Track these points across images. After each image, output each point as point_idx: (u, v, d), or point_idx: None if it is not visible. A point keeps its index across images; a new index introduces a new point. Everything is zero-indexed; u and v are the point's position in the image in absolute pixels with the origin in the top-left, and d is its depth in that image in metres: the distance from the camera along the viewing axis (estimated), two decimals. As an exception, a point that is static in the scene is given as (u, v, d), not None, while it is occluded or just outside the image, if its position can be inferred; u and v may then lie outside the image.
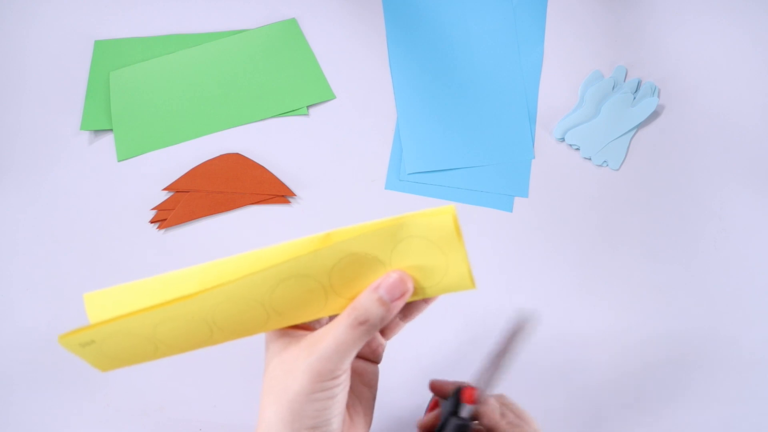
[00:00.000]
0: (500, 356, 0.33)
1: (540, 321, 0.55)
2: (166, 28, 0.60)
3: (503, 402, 0.39)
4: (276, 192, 0.56)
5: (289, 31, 0.60)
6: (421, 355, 0.54)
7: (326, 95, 0.59)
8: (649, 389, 0.54)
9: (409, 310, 0.32)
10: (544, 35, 0.60)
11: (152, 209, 0.56)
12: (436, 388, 0.40)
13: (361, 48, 0.60)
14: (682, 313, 0.55)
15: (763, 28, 0.60)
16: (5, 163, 0.57)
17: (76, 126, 0.57)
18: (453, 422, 0.35)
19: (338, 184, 0.57)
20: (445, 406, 0.37)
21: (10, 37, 0.59)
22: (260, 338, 0.32)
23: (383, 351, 0.35)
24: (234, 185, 0.56)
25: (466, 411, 0.35)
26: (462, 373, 0.41)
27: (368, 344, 0.34)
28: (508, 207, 0.57)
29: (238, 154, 0.57)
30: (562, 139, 0.58)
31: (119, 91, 0.58)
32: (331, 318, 0.32)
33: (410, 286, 0.29)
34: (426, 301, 0.32)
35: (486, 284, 0.56)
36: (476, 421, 0.37)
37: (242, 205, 0.56)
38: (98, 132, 0.58)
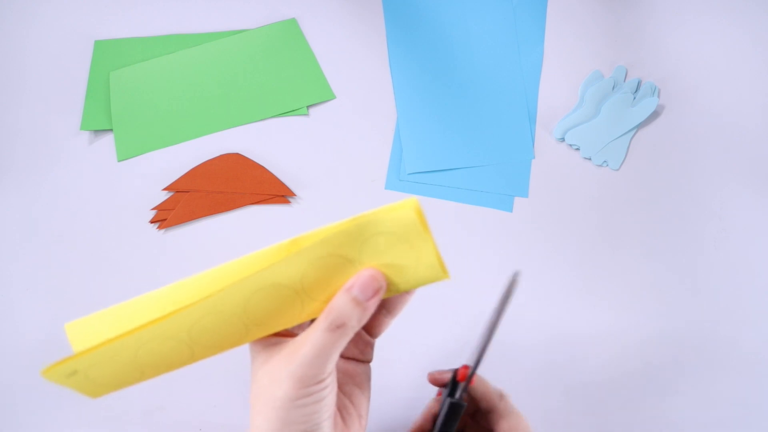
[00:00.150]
0: (491, 328, 0.32)
1: (540, 320, 0.55)
2: (166, 28, 0.60)
3: (503, 395, 0.39)
4: (276, 192, 0.56)
5: (289, 31, 0.60)
6: (420, 354, 0.54)
7: (326, 95, 0.59)
8: (649, 389, 0.54)
9: (392, 304, 0.32)
10: (544, 35, 0.60)
11: (152, 209, 0.56)
12: (434, 379, 0.40)
13: (361, 48, 0.60)
14: (682, 313, 0.55)
15: (763, 28, 0.60)
16: (5, 163, 0.57)
17: (76, 126, 0.57)
18: (446, 402, 0.35)
19: (338, 184, 0.57)
20: (445, 393, 0.37)
21: (10, 37, 0.59)
22: (260, 338, 0.32)
23: (373, 349, 0.35)
24: (234, 185, 0.56)
25: (460, 390, 0.35)
26: (443, 360, 0.40)
27: (355, 344, 0.34)
28: (508, 207, 0.57)
29: (238, 154, 0.57)
30: (562, 139, 0.58)
31: (119, 91, 0.58)
32: (313, 321, 0.32)
33: (383, 282, 0.29)
34: (407, 293, 0.31)
35: (486, 284, 0.56)
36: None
37: (242, 205, 0.56)
38: (98, 132, 0.58)
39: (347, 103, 0.59)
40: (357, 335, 0.33)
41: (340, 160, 0.58)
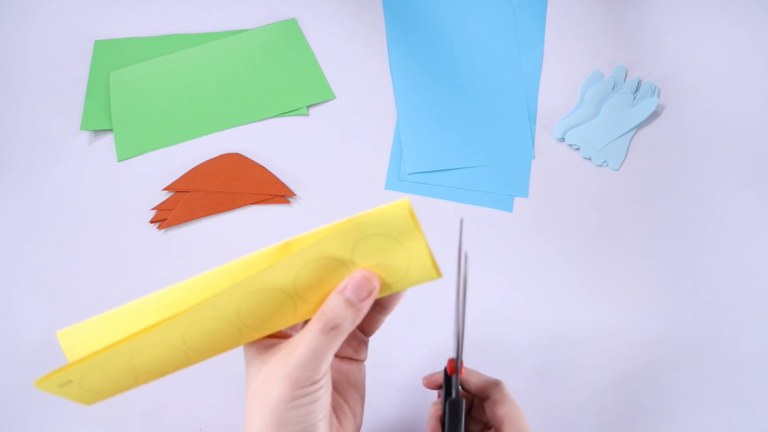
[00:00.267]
0: (460, 313, 0.32)
1: (540, 320, 0.55)
2: (166, 28, 0.60)
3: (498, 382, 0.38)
4: (276, 192, 0.56)
5: (289, 31, 0.60)
6: (420, 354, 0.54)
7: (326, 95, 0.59)
8: (649, 389, 0.54)
9: (385, 302, 0.32)
10: (544, 35, 0.60)
11: (152, 209, 0.56)
12: (429, 382, 0.39)
13: (361, 48, 0.60)
14: (682, 313, 0.55)
15: (763, 28, 0.60)
16: (5, 163, 0.57)
17: (76, 126, 0.57)
18: (447, 403, 0.34)
19: (338, 184, 0.57)
20: (443, 393, 0.36)
21: (10, 37, 0.59)
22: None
23: (367, 348, 0.35)
24: (234, 185, 0.56)
25: (454, 385, 0.34)
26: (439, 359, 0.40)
27: (349, 344, 0.34)
28: (508, 207, 0.57)
29: (238, 154, 0.57)
30: (562, 139, 0.58)
31: (119, 91, 0.58)
32: (306, 323, 0.32)
33: (376, 283, 0.29)
34: (399, 294, 0.32)
35: (486, 284, 0.56)
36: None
37: (242, 205, 0.56)
38: (98, 132, 0.58)
39: (347, 103, 0.59)
40: (351, 334, 0.33)
41: (340, 160, 0.58)
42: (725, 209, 0.57)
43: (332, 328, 0.28)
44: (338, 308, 0.28)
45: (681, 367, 0.55)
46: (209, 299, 0.28)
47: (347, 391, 0.33)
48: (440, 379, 0.38)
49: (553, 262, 0.56)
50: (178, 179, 0.56)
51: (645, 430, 0.54)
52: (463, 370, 0.35)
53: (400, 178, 0.58)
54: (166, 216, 0.56)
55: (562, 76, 0.60)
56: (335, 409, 0.32)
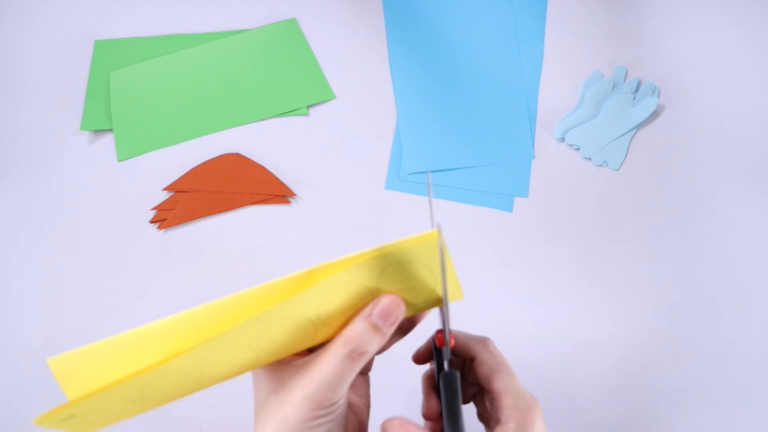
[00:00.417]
0: (443, 286, 0.31)
1: (540, 319, 0.55)
2: (166, 28, 0.60)
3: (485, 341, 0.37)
4: (276, 192, 0.56)
5: (289, 31, 0.60)
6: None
7: (326, 95, 0.59)
8: (649, 389, 0.54)
9: (404, 326, 0.32)
10: (544, 35, 0.60)
11: (152, 209, 0.56)
12: (418, 357, 0.38)
13: (361, 48, 0.60)
14: (681, 313, 0.55)
15: (763, 28, 0.60)
16: (5, 163, 0.57)
17: (76, 126, 0.57)
18: (441, 377, 0.33)
19: (338, 184, 0.57)
20: (435, 368, 0.35)
21: (10, 37, 0.59)
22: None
23: (373, 362, 0.35)
24: (234, 185, 0.56)
25: (446, 357, 0.33)
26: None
27: None
28: (508, 207, 0.57)
29: (238, 154, 0.57)
30: (562, 139, 0.58)
31: (119, 91, 0.58)
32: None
33: (403, 308, 0.29)
34: (419, 316, 0.32)
35: (486, 284, 0.56)
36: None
37: (242, 205, 0.56)
38: (98, 132, 0.58)
39: (347, 103, 0.59)
40: None
41: (340, 160, 0.58)
42: (725, 209, 0.57)
43: (359, 354, 0.28)
44: (365, 334, 0.28)
45: (681, 367, 0.55)
46: (234, 328, 0.27)
47: (354, 401, 0.33)
48: (428, 352, 0.37)
49: (553, 261, 0.56)
50: (178, 179, 0.56)
51: (645, 430, 0.54)
52: (453, 341, 0.34)
53: (400, 178, 0.58)
54: (166, 216, 0.56)
55: (562, 76, 0.60)
56: (345, 421, 0.32)
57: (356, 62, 0.59)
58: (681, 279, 0.56)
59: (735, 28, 0.60)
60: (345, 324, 0.29)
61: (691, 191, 0.58)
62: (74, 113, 0.58)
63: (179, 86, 0.58)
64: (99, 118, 0.57)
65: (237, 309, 0.28)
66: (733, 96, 0.59)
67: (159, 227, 0.56)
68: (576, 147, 0.58)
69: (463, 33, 0.60)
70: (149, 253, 0.55)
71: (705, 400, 0.54)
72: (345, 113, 0.59)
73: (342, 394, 0.28)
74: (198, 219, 0.56)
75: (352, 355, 0.28)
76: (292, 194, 0.57)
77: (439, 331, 0.33)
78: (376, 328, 0.28)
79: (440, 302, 0.30)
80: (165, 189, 0.56)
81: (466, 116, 0.59)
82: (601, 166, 0.58)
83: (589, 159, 0.58)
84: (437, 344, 0.33)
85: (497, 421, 0.32)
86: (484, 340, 0.35)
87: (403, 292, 0.29)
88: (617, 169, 0.58)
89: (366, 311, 0.28)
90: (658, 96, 0.59)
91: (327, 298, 0.28)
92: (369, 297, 0.29)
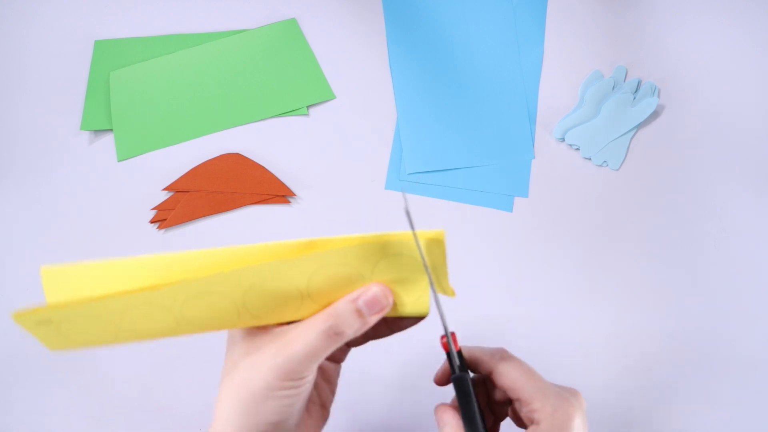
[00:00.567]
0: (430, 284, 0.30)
1: (540, 319, 0.55)
2: (166, 28, 0.60)
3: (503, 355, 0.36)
4: (276, 192, 0.56)
5: (289, 31, 0.60)
6: (420, 354, 0.54)
7: (326, 95, 0.59)
8: (649, 389, 0.54)
9: (396, 325, 0.32)
10: (544, 35, 0.60)
11: (152, 209, 0.56)
12: (439, 378, 0.37)
13: (361, 48, 0.60)
14: (682, 313, 0.55)
15: (763, 28, 0.60)
16: (5, 163, 0.57)
17: (76, 126, 0.57)
18: (452, 382, 0.33)
19: (338, 184, 0.57)
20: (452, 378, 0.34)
21: (10, 37, 0.59)
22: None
23: (348, 353, 0.35)
24: (234, 185, 0.56)
25: (455, 361, 0.33)
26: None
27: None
28: (508, 207, 0.57)
29: (238, 154, 0.57)
30: (562, 139, 0.58)
31: (119, 91, 0.58)
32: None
33: (390, 301, 0.29)
34: (400, 324, 0.32)
35: (486, 284, 0.56)
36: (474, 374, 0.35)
37: (242, 205, 0.56)
38: (98, 132, 0.58)
39: (347, 103, 0.59)
40: None
41: (340, 160, 0.58)
42: (725, 209, 0.57)
43: (336, 333, 0.28)
44: (347, 316, 0.28)
45: (681, 367, 0.55)
46: (222, 272, 0.27)
47: (321, 385, 0.33)
48: (447, 374, 0.36)
49: (553, 261, 0.56)
50: (178, 179, 0.56)
51: (645, 430, 0.54)
52: (458, 343, 0.33)
53: (400, 178, 0.58)
54: (166, 216, 0.56)
55: (562, 76, 0.60)
56: (308, 402, 0.32)
57: (356, 62, 0.59)
58: (681, 279, 0.56)
59: (735, 28, 0.60)
60: (330, 303, 0.29)
61: (691, 191, 0.58)
62: (74, 113, 0.58)
63: (179, 86, 0.58)
64: (99, 118, 0.57)
65: (234, 260, 0.28)
66: (733, 96, 0.59)
67: (159, 227, 0.56)
68: (576, 147, 0.58)
69: (463, 33, 0.60)
70: (149, 253, 0.55)
71: (705, 400, 0.54)
72: (345, 113, 0.59)
73: (311, 370, 0.28)
74: (198, 219, 0.56)
75: (329, 332, 0.28)
76: (292, 194, 0.57)
77: (443, 336, 0.33)
78: (359, 312, 0.28)
79: (427, 309, 0.30)
80: (165, 189, 0.56)
81: (466, 116, 0.59)
82: (601, 166, 0.58)
83: (589, 159, 0.58)
84: (444, 349, 0.33)
85: (531, 425, 0.31)
86: (498, 352, 0.35)
87: (395, 285, 0.29)
88: (617, 169, 0.58)
89: (354, 294, 0.28)
90: (658, 96, 0.59)
91: (320, 272, 0.28)
92: (360, 283, 0.29)
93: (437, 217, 0.57)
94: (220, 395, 0.29)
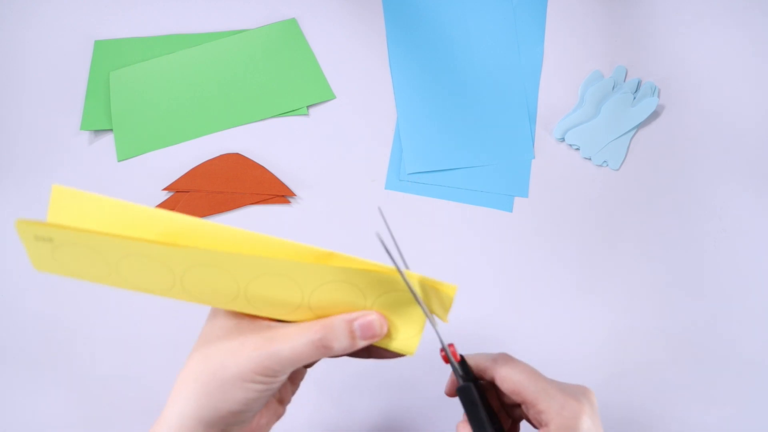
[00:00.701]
0: (416, 298, 0.30)
1: (540, 319, 0.55)
2: (166, 28, 0.60)
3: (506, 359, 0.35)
4: (276, 192, 0.56)
5: (289, 31, 0.60)
6: (420, 355, 0.54)
7: (326, 95, 0.59)
8: (649, 389, 0.54)
9: (377, 353, 0.32)
10: (544, 35, 0.60)
11: (152, 209, 0.56)
12: (450, 389, 0.37)
13: (361, 48, 0.60)
14: (682, 313, 0.55)
15: (762, 28, 0.60)
16: (5, 164, 0.57)
17: (76, 126, 0.57)
18: (457, 393, 0.33)
19: (338, 184, 0.57)
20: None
21: (10, 37, 0.59)
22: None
23: (318, 361, 0.35)
24: (234, 185, 0.56)
25: (459, 371, 0.33)
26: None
27: None
28: (508, 207, 0.57)
29: (238, 154, 0.57)
30: (562, 139, 0.58)
31: (119, 91, 0.58)
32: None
33: (384, 331, 0.29)
34: (380, 354, 0.32)
35: (486, 285, 0.56)
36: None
37: (242, 205, 0.56)
38: (98, 132, 0.58)
39: (347, 103, 0.59)
40: None
41: (340, 160, 0.58)
42: (725, 209, 0.57)
43: (325, 346, 0.28)
44: (340, 333, 0.28)
45: (681, 367, 0.55)
46: (240, 254, 0.27)
47: (285, 384, 0.34)
48: (453, 381, 0.36)
49: (553, 261, 0.56)
50: (178, 179, 0.56)
51: (644, 430, 0.54)
52: (456, 354, 0.33)
53: (400, 178, 0.58)
54: (166, 216, 0.56)
55: (562, 76, 0.60)
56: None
57: (356, 62, 0.59)
58: (681, 279, 0.56)
59: (735, 29, 0.60)
60: (324, 317, 0.30)
61: (691, 191, 0.58)
62: (74, 113, 0.58)
63: (179, 86, 0.58)
64: (99, 118, 0.57)
65: (250, 245, 0.28)
66: (733, 96, 0.59)
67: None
68: (576, 147, 0.58)
69: (463, 33, 0.60)
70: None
71: (705, 400, 0.54)
72: (345, 113, 0.59)
73: (287, 372, 0.29)
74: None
75: (318, 343, 0.28)
76: (292, 194, 0.57)
77: (442, 350, 0.33)
78: (352, 333, 0.29)
79: (413, 351, 0.31)
80: (165, 189, 0.56)
81: (466, 116, 0.59)
82: (601, 166, 0.58)
83: (589, 159, 0.58)
84: (444, 361, 0.33)
85: (541, 427, 0.31)
86: (500, 357, 0.34)
87: (392, 318, 0.30)
88: (617, 169, 0.58)
89: (352, 315, 0.29)
90: (658, 96, 0.59)
91: (328, 285, 0.29)
92: (360, 306, 0.30)
93: (437, 217, 0.57)
94: (188, 369, 0.29)
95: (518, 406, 0.35)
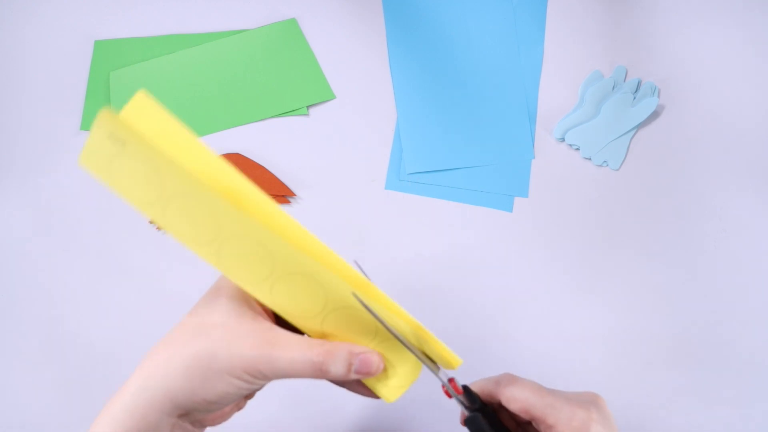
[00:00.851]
0: (395, 334, 0.30)
1: (540, 319, 0.55)
2: (166, 28, 0.60)
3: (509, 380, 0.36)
4: (276, 192, 0.56)
5: (289, 31, 0.60)
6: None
7: (326, 95, 0.59)
8: (649, 389, 0.54)
9: (353, 387, 0.32)
10: (544, 35, 0.60)
11: (152, 209, 0.56)
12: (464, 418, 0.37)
13: (361, 48, 0.60)
14: (682, 313, 0.55)
15: (762, 28, 0.60)
16: (5, 164, 0.57)
17: (76, 126, 0.57)
18: (465, 424, 0.33)
19: (338, 184, 0.57)
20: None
21: (10, 37, 0.59)
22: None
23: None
24: (234, 185, 0.56)
25: (464, 402, 0.33)
26: (458, 375, 0.40)
27: None
28: (508, 207, 0.57)
29: (238, 154, 0.57)
30: (562, 139, 0.58)
31: (119, 91, 0.58)
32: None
33: (378, 372, 0.30)
34: (359, 390, 0.32)
35: (485, 284, 0.56)
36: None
37: (242, 205, 0.56)
38: (98, 132, 0.58)
39: (347, 103, 0.59)
40: None
41: (340, 160, 0.58)
42: (725, 209, 0.57)
43: (322, 370, 0.28)
44: (340, 362, 0.28)
45: (681, 367, 0.55)
46: (290, 244, 0.27)
47: None
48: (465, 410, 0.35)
49: (553, 261, 0.56)
50: (178, 179, 0.56)
51: (645, 430, 0.54)
52: (458, 386, 0.34)
53: (400, 178, 0.58)
54: (166, 216, 0.56)
55: (562, 76, 0.60)
56: None
57: (356, 62, 0.59)
58: (681, 279, 0.56)
59: (735, 29, 0.60)
60: (327, 336, 0.30)
61: (691, 191, 0.58)
62: (74, 113, 0.58)
63: (179, 86, 0.58)
64: (99, 118, 0.57)
65: (300, 240, 0.28)
66: (733, 96, 0.59)
67: (159, 227, 0.56)
68: (576, 147, 0.58)
69: (463, 33, 0.60)
70: (149, 253, 0.55)
71: (705, 400, 0.54)
72: (345, 113, 0.59)
73: (275, 379, 0.29)
74: (198, 219, 0.56)
75: (317, 365, 0.28)
76: (292, 194, 0.57)
77: (443, 386, 0.33)
78: (350, 367, 0.29)
79: (392, 400, 0.31)
80: (165, 189, 0.56)
81: (466, 116, 0.59)
82: (601, 166, 0.58)
83: (589, 159, 0.58)
84: (447, 396, 0.34)
85: None
86: (503, 378, 0.35)
87: (390, 362, 0.31)
88: (617, 169, 0.58)
89: (357, 349, 0.29)
90: (658, 96, 0.59)
91: (350, 309, 0.29)
92: (365, 342, 0.30)
93: (437, 217, 0.57)
94: (173, 346, 0.28)
95: (530, 423, 0.35)
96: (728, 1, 0.61)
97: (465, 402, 0.33)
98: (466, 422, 0.33)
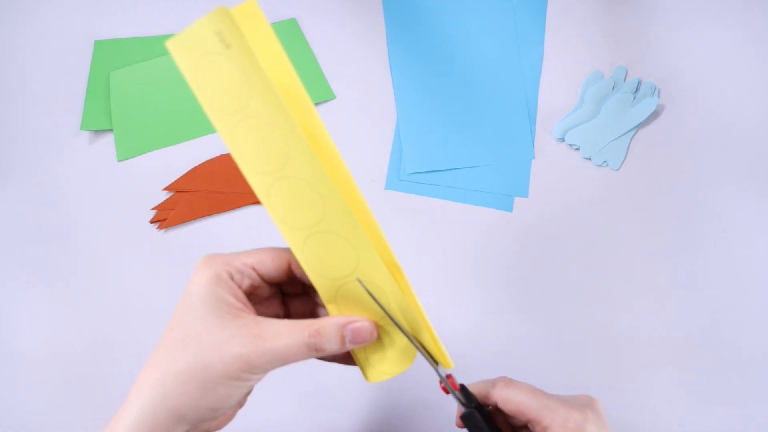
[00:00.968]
0: (398, 326, 0.31)
1: (540, 320, 0.55)
2: (166, 28, 0.60)
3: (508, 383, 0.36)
4: (276, 192, 0.56)
5: (289, 31, 0.60)
6: (420, 356, 0.54)
7: (326, 95, 0.59)
8: (649, 389, 0.54)
9: (346, 360, 0.33)
10: (544, 35, 0.60)
11: (152, 209, 0.56)
12: (460, 423, 0.37)
13: (361, 48, 0.60)
14: (682, 313, 0.55)
15: (762, 28, 0.60)
16: (5, 163, 0.57)
17: (76, 126, 0.57)
18: (462, 420, 0.34)
19: (338, 184, 0.57)
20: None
21: (10, 37, 0.59)
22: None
23: None
24: (234, 185, 0.56)
25: (461, 399, 0.34)
26: (457, 376, 0.40)
27: None
28: (508, 207, 0.57)
29: (238, 154, 0.57)
30: (562, 139, 0.58)
31: (119, 91, 0.58)
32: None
33: (373, 337, 0.30)
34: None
35: (485, 284, 0.56)
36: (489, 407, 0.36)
37: (242, 205, 0.56)
38: (98, 132, 0.58)
39: (347, 103, 0.59)
40: None
41: (340, 160, 0.58)
42: (725, 209, 0.57)
43: (317, 349, 0.28)
44: (332, 338, 0.29)
45: (681, 367, 0.55)
46: (345, 203, 0.27)
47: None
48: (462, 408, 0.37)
49: (553, 261, 0.56)
50: (178, 179, 0.56)
51: (644, 430, 0.54)
52: (455, 383, 0.34)
53: (400, 178, 0.58)
54: (166, 216, 0.56)
55: (562, 76, 0.60)
56: None
57: (356, 62, 0.59)
58: (681, 279, 0.56)
59: (735, 29, 0.60)
60: (335, 302, 0.30)
61: (691, 191, 0.58)
62: (74, 113, 0.58)
63: (179, 86, 0.58)
64: (99, 118, 0.57)
65: (357, 206, 0.29)
66: (733, 96, 0.59)
67: (159, 227, 0.56)
68: (576, 147, 0.58)
69: (463, 33, 0.60)
70: (149, 253, 0.55)
71: (705, 400, 0.54)
72: (345, 113, 0.59)
73: (272, 369, 0.29)
74: (198, 219, 0.56)
75: (311, 346, 0.28)
76: (292, 194, 0.57)
77: (440, 382, 0.33)
78: (342, 340, 0.29)
79: (374, 381, 0.32)
80: (165, 189, 0.56)
81: (466, 116, 0.59)
82: (601, 166, 0.58)
83: (589, 159, 0.58)
84: (445, 392, 0.34)
85: None
86: (498, 381, 0.35)
87: (384, 346, 0.31)
88: (617, 169, 0.58)
89: (345, 320, 0.29)
90: (658, 96, 0.59)
91: (371, 286, 0.29)
92: (375, 318, 0.30)
93: (437, 217, 0.57)
94: (160, 366, 0.28)
95: (526, 426, 0.35)
96: (728, 1, 0.61)
97: (462, 399, 0.34)
98: (463, 418, 0.33)
